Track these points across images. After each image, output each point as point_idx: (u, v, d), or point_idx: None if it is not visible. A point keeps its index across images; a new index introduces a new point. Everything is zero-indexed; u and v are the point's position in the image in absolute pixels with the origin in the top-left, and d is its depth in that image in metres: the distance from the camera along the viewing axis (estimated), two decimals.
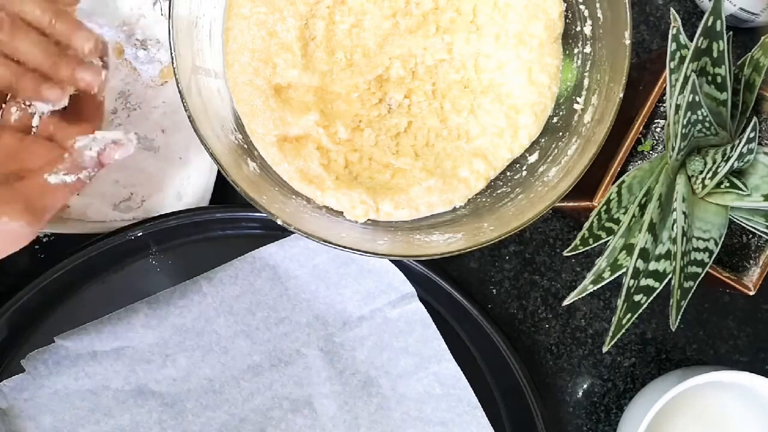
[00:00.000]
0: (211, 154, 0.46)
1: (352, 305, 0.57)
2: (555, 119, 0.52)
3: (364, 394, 0.57)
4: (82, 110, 0.50)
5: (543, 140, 0.52)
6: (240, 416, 0.57)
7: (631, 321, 0.46)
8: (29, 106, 0.48)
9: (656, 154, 0.51)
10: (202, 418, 0.56)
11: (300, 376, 0.57)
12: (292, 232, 0.46)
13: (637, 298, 0.46)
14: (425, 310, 0.57)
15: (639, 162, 0.51)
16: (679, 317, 0.46)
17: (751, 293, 0.50)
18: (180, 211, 0.55)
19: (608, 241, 0.47)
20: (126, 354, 0.56)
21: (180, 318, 0.56)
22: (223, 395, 0.56)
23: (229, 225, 0.57)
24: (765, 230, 0.47)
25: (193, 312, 0.56)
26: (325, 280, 0.57)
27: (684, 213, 0.46)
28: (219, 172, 0.49)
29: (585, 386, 0.61)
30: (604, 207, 0.47)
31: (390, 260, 0.56)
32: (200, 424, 0.56)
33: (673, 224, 0.46)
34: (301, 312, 0.57)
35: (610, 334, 0.46)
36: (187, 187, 0.58)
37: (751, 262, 0.51)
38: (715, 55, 0.45)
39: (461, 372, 0.57)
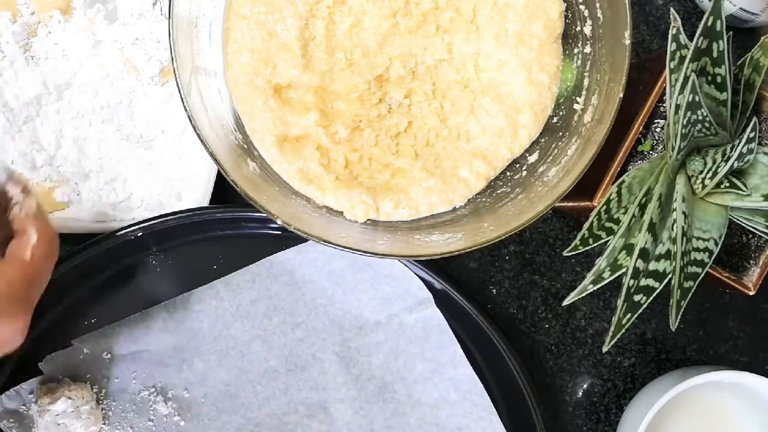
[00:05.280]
0: (211, 154, 0.46)
1: (369, 310, 0.57)
2: (555, 119, 0.52)
3: (380, 399, 0.57)
4: None
5: (543, 140, 0.52)
6: (256, 421, 0.57)
7: (631, 321, 0.46)
8: None
9: (656, 154, 0.51)
10: (218, 422, 0.56)
11: (316, 380, 0.57)
12: (295, 233, 0.46)
13: (637, 298, 0.46)
14: (441, 315, 0.57)
15: (639, 162, 0.51)
16: (679, 317, 0.46)
17: (751, 293, 0.50)
18: (180, 211, 0.55)
19: (608, 241, 0.47)
20: (143, 358, 0.56)
21: (197, 322, 0.56)
22: (239, 400, 0.56)
23: (229, 225, 0.57)
24: (765, 230, 0.47)
25: (210, 316, 0.57)
26: (341, 285, 0.57)
27: (684, 213, 0.46)
28: (219, 172, 0.49)
29: (585, 386, 0.61)
30: (604, 207, 0.47)
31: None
32: (216, 428, 0.56)
33: (673, 224, 0.46)
34: (318, 317, 0.57)
35: (610, 334, 0.46)
36: (187, 187, 0.58)
37: (751, 262, 0.51)
38: (715, 55, 0.45)
39: (477, 377, 0.56)
